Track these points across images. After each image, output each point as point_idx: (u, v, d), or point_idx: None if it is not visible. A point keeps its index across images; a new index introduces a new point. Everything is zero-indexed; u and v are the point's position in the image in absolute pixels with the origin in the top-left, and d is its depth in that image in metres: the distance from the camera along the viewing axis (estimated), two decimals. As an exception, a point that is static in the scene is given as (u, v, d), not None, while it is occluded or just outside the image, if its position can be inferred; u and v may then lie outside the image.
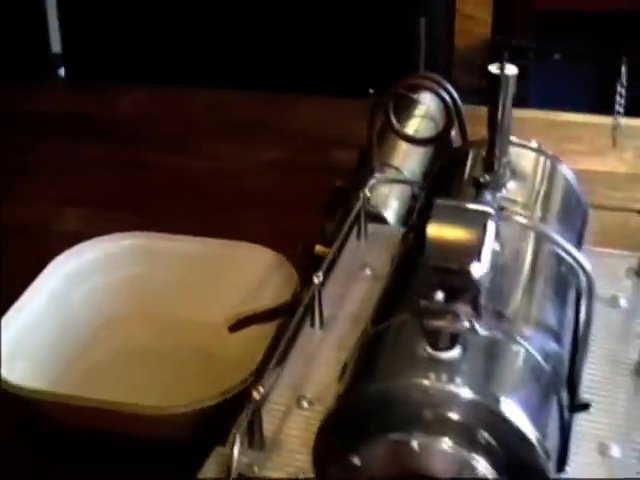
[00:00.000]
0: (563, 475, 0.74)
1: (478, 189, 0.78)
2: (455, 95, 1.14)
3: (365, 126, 1.11)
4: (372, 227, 0.99)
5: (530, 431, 0.68)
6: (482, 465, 0.68)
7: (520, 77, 0.81)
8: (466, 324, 0.66)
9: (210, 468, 0.73)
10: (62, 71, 1.89)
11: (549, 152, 0.92)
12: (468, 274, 0.64)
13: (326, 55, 1.94)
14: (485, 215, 0.65)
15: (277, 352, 0.80)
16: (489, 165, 0.83)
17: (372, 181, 0.99)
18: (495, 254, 0.77)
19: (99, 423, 1.00)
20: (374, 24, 1.91)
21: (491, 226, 0.65)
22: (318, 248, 1.04)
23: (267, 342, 0.99)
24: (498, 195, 0.84)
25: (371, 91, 1.16)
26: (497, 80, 0.79)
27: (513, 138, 0.89)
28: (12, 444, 1.01)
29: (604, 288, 0.87)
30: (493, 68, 0.79)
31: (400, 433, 0.67)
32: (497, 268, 0.78)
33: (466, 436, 0.68)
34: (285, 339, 0.81)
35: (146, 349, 1.15)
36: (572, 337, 0.81)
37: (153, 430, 0.97)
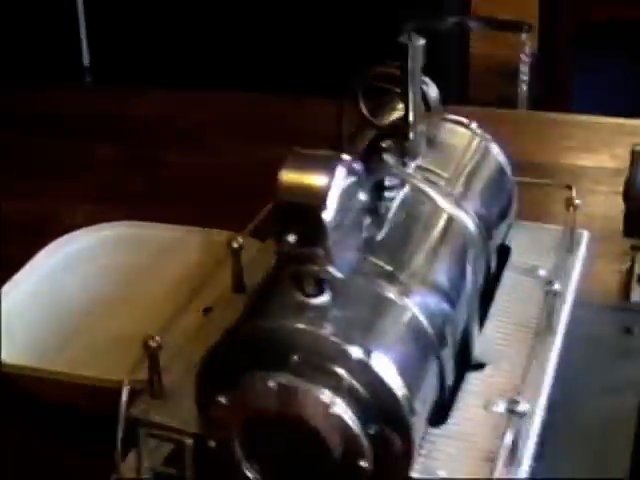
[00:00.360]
0: (442, 427, 0.75)
1: (379, 152, 0.81)
2: (428, 88, 1.15)
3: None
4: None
5: (397, 386, 0.70)
6: (344, 411, 0.70)
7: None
8: (319, 267, 0.68)
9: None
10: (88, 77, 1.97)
11: (482, 132, 0.94)
12: (317, 217, 0.67)
13: (330, 58, 1.97)
14: (335, 161, 0.68)
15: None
16: (404, 133, 0.85)
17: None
18: (394, 216, 0.79)
19: (79, 398, 1.02)
20: (380, 29, 1.94)
21: (340, 171, 0.67)
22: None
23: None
24: (412, 163, 0.86)
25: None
26: (406, 50, 0.82)
27: (452, 116, 0.92)
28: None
29: (527, 258, 0.89)
30: (402, 39, 0.82)
31: (266, 373, 0.70)
32: (392, 228, 0.80)
33: (331, 382, 0.70)
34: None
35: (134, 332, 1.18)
36: (474, 301, 0.83)
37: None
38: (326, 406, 0.68)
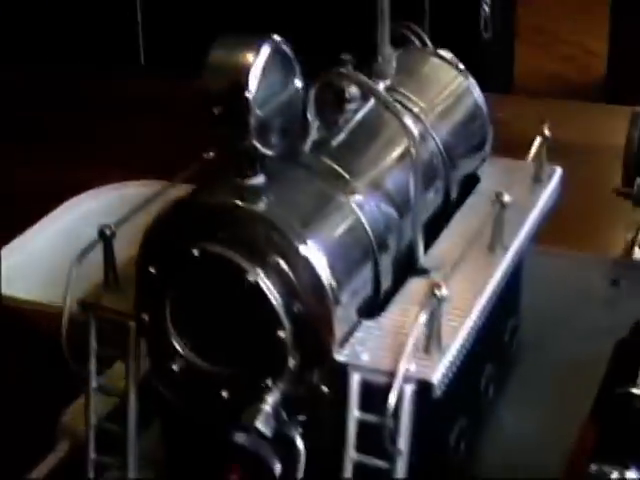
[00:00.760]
0: (375, 320, 0.77)
1: (340, 64, 0.83)
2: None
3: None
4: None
5: (324, 273, 0.72)
6: (266, 285, 0.72)
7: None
8: (247, 143, 0.71)
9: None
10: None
11: (466, 71, 0.97)
12: (241, 93, 0.70)
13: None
14: (261, 40, 0.71)
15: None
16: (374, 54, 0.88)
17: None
18: (355, 126, 0.82)
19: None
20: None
21: (265, 49, 0.70)
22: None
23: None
24: (381, 83, 0.89)
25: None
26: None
27: (442, 52, 0.95)
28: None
29: (495, 186, 0.90)
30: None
31: (193, 243, 0.72)
32: (351, 136, 0.83)
33: (258, 257, 0.72)
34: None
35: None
36: (422, 215, 0.84)
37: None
38: (246, 275, 0.70)
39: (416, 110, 0.87)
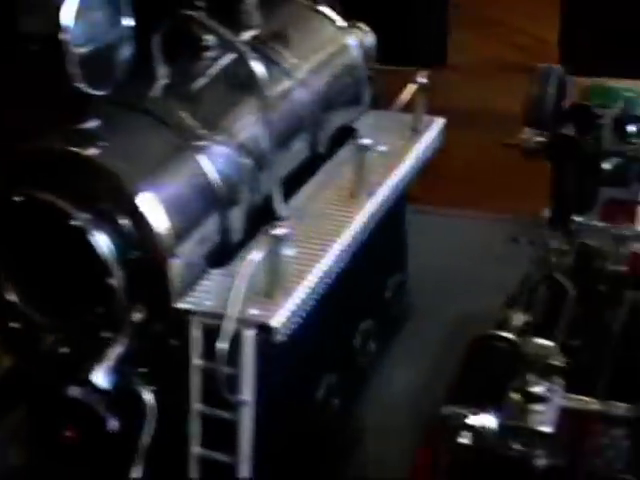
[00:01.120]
0: (223, 269, 0.74)
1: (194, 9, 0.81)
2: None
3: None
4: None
5: (159, 224, 0.69)
6: (95, 234, 0.69)
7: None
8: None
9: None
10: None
11: (350, 28, 0.94)
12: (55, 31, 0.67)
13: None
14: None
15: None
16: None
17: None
18: (212, 75, 0.79)
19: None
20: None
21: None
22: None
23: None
24: (245, 33, 0.86)
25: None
26: None
27: (324, 9, 0.92)
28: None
29: (370, 137, 0.87)
30: None
31: (20, 189, 0.70)
32: (207, 86, 0.80)
33: (88, 204, 0.70)
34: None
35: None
36: (284, 166, 0.82)
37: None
38: (70, 220, 0.67)
39: (285, 65, 0.85)
